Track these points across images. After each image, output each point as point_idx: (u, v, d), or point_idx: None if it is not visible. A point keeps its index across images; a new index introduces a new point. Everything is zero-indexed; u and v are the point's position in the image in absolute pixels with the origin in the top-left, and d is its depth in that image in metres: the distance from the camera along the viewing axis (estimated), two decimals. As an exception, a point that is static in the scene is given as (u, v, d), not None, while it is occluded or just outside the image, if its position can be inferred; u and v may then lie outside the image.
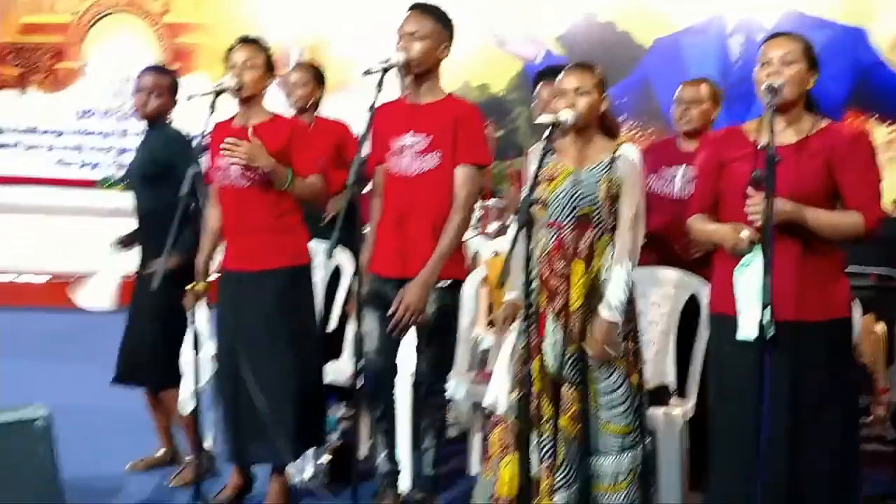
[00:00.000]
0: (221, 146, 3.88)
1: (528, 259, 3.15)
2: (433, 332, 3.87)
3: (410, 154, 3.84)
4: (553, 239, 3.47)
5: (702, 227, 3.32)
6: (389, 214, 3.91)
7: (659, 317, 4.11)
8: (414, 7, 3.87)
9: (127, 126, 10.54)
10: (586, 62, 3.59)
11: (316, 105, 5.19)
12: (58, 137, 12.78)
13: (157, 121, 4.51)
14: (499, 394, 3.45)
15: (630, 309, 3.50)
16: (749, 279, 3.06)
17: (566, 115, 3.39)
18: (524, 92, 8.95)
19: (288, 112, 4.87)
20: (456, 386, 4.23)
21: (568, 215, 3.45)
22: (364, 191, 4.16)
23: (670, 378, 4.03)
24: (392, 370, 4.02)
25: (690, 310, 4.08)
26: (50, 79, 13.01)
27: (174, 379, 4.12)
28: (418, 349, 3.94)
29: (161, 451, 4.70)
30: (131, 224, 4.56)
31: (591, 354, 3.40)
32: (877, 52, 8.67)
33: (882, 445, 4.62)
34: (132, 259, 4.57)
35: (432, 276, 3.81)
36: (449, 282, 3.86)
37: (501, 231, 6.04)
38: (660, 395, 3.93)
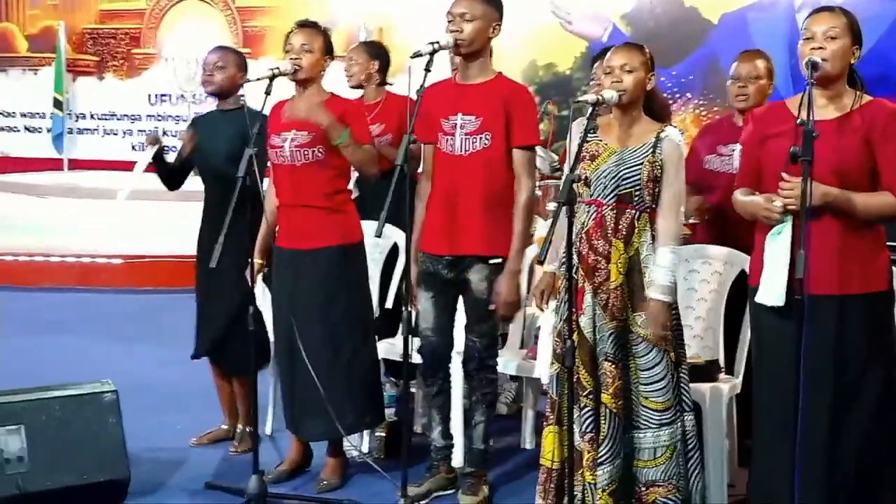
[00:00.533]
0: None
1: (570, 236, 3.19)
2: (484, 308, 3.94)
3: (461, 135, 3.89)
4: (593, 216, 3.50)
5: (742, 199, 3.33)
6: (439, 194, 3.98)
7: (708, 293, 4.12)
8: None
9: (201, 110, 10.78)
10: (635, 42, 3.61)
11: (377, 81, 5.25)
12: (133, 122, 13.10)
13: (226, 97, 4.56)
14: (541, 368, 3.50)
15: (670, 288, 3.53)
16: (777, 247, 3.09)
17: (609, 94, 3.42)
18: (589, 71, 8.90)
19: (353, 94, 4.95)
20: (506, 362, 4.30)
21: (610, 194, 3.48)
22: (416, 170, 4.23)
23: (718, 354, 4.04)
24: (448, 347, 4.10)
25: (742, 287, 4.07)
26: (126, 65, 13.31)
27: (246, 365, 4.09)
28: (468, 326, 4.01)
29: (225, 426, 4.78)
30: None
31: (650, 337, 3.44)
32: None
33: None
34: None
35: (518, 264, 3.91)
36: (500, 259, 3.91)
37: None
38: (709, 371, 3.95)
